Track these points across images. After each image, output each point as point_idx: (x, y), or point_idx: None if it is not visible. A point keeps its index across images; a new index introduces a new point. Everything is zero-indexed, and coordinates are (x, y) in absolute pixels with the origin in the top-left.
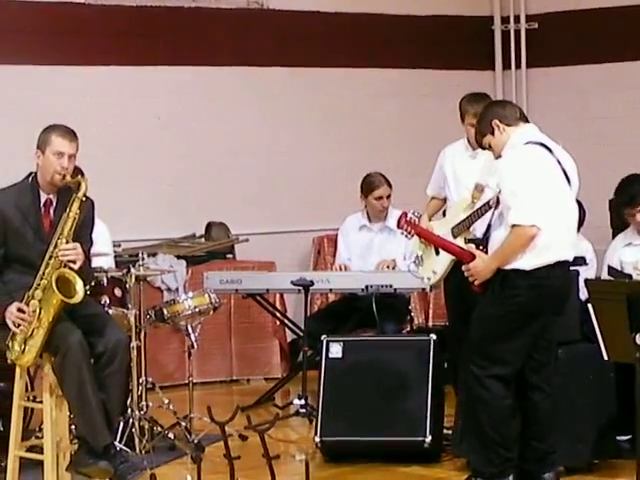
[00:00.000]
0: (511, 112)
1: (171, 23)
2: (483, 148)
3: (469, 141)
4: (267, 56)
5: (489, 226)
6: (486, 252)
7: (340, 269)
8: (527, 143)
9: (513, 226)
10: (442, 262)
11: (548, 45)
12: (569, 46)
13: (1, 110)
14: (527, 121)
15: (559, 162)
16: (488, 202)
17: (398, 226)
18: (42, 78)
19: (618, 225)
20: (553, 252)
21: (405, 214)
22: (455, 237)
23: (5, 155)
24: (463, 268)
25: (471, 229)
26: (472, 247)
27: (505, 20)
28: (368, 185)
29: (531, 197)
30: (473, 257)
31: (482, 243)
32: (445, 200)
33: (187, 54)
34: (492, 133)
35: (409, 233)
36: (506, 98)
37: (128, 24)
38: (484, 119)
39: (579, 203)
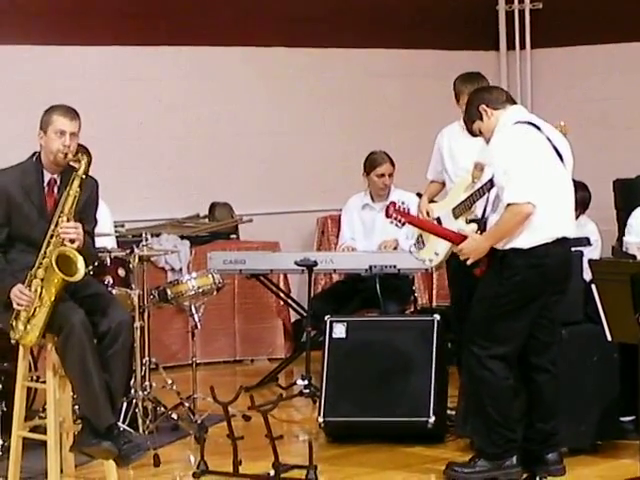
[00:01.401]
0: (497, 96)
1: (172, 2)
2: (474, 135)
3: (465, 121)
4: (270, 36)
5: (486, 208)
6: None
7: (347, 249)
8: (516, 123)
9: (508, 205)
10: (444, 243)
11: (552, 26)
12: (573, 27)
13: (2, 92)
14: (514, 103)
15: (549, 139)
16: (489, 181)
17: (387, 216)
18: (43, 58)
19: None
20: (550, 229)
21: (393, 204)
22: (457, 218)
23: (7, 138)
24: (455, 250)
25: (472, 209)
26: (468, 229)
27: (509, 0)
28: (371, 162)
29: (524, 175)
30: (463, 239)
31: (482, 224)
32: (444, 184)
33: (189, 34)
34: (480, 118)
35: (399, 222)
36: (510, 79)
37: (128, 4)
38: (471, 106)
39: (585, 186)
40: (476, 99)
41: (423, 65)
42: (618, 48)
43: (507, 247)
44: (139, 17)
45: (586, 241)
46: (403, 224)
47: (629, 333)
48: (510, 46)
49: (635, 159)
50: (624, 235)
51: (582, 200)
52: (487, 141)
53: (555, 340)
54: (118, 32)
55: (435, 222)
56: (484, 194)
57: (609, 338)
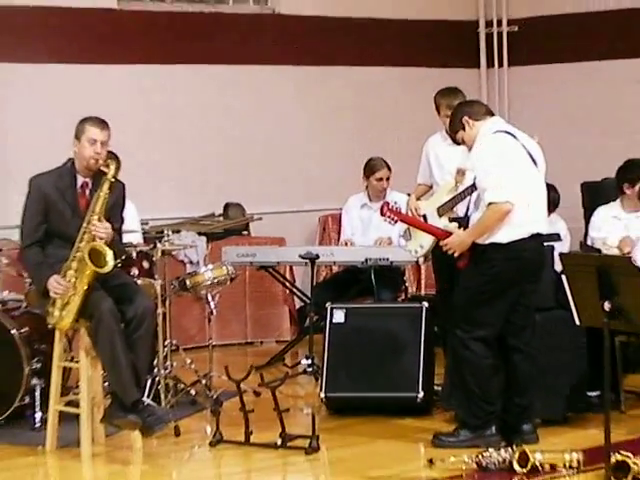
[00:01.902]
0: (478, 109)
1: (194, 27)
2: (458, 143)
3: (447, 131)
4: (277, 55)
5: (469, 207)
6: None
7: (346, 244)
8: (495, 132)
9: (489, 204)
10: (427, 238)
11: (527, 46)
12: (545, 47)
13: (45, 106)
14: (493, 115)
15: (524, 146)
16: (471, 186)
17: (381, 214)
18: (83, 75)
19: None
20: (526, 226)
21: (387, 203)
22: (440, 216)
23: (46, 145)
24: (440, 244)
25: (454, 209)
26: (451, 226)
27: (489, 24)
28: (370, 167)
29: (503, 177)
30: (449, 235)
31: (463, 222)
32: (431, 186)
33: (207, 54)
34: (463, 129)
35: (392, 220)
36: (490, 93)
37: (155, 28)
38: (455, 118)
39: (554, 188)
40: (459, 112)
41: (414, 81)
42: (585, 66)
43: (487, 242)
44: (163, 39)
45: (557, 236)
46: (396, 222)
47: (595, 318)
48: (490, 64)
49: (600, 164)
50: (590, 231)
51: (552, 200)
52: (469, 149)
53: (529, 324)
54: (144, 52)
55: (422, 219)
56: (466, 197)
57: (577, 322)
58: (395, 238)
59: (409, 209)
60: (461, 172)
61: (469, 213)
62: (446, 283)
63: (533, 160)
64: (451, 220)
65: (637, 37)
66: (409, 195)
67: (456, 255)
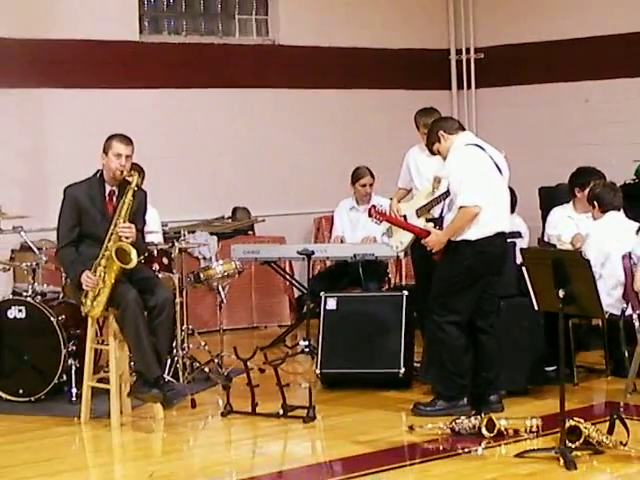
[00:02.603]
0: (452, 124)
1: (206, 56)
2: (434, 154)
3: (425, 144)
4: (277, 79)
5: (443, 209)
6: (440, 229)
7: (339, 240)
8: (466, 145)
9: (461, 207)
10: (406, 235)
11: (492, 71)
12: (507, 72)
13: (81, 125)
14: (464, 129)
15: (491, 157)
16: (445, 192)
17: (369, 215)
18: (110, 98)
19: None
20: (492, 226)
21: (374, 206)
22: (419, 217)
23: (79, 159)
24: (422, 242)
25: (431, 211)
26: (429, 225)
27: (459, 52)
28: (356, 175)
29: (473, 184)
30: (428, 233)
31: (438, 222)
32: (410, 190)
33: (217, 79)
34: (439, 141)
35: (379, 220)
36: (460, 112)
37: (172, 57)
38: (432, 131)
39: (512, 191)
40: (436, 126)
41: (393, 102)
42: (542, 87)
43: (459, 239)
44: (179, 67)
45: (518, 234)
46: (381, 222)
47: (551, 304)
48: (460, 87)
49: (555, 172)
50: (546, 229)
51: (512, 203)
52: (444, 158)
53: (495, 309)
54: (163, 78)
55: (403, 219)
56: (441, 201)
57: (536, 308)
58: (379, 236)
59: (391, 210)
60: (437, 180)
61: (443, 214)
62: (423, 275)
63: (499, 169)
64: (428, 220)
65: (583, 63)
66: (391, 199)
67: (435, 251)
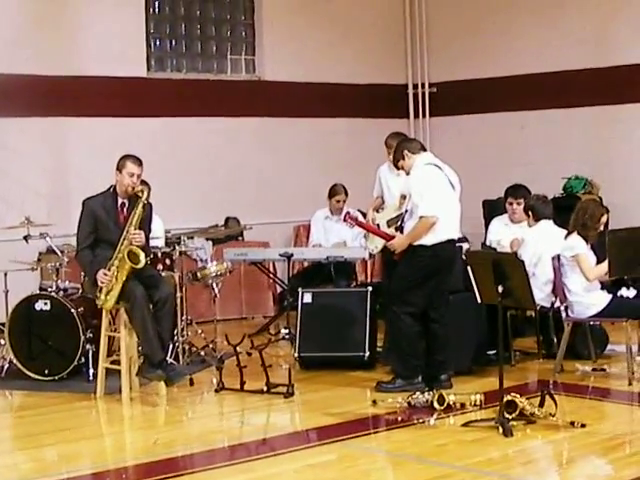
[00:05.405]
0: (415, 145)
1: (202, 90)
2: (398, 169)
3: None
4: (262, 109)
5: (403, 218)
6: (402, 233)
7: (315, 246)
8: (426, 164)
9: (421, 217)
10: (381, 240)
11: (443, 102)
12: (457, 103)
13: (98, 147)
14: (425, 150)
15: (446, 175)
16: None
17: (344, 220)
18: (121, 126)
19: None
20: (445, 233)
21: (348, 213)
22: (389, 227)
23: (97, 177)
24: (387, 245)
25: (399, 222)
26: (394, 232)
27: (415, 86)
28: (333, 191)
29: (432, 197)
30: (392, 238)
31: (401, 228)
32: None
33: (212, 109)
34: (403, 159)
35: (351, 224)
36: (417, 138)
37: (174, 90)
38: (398, 150)
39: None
40: (401, 145)
41: (360, 128)
42: (486, 117)
43: (417, 243)
44: (180, 99)
45: (465, 239)
46: (353, 226)
47: (491, 297)
48: (416, 116)
49: (497, 187)
50: (488, 235)
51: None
52: (407, 173)
53: (445, 302)
54: (167, 108)
55: (376, 227)
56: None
57: (479, 301)
58: (349, 241)
59: (368, 219)
60: (403, 196)
61: (405, 221)
62: (387, 273)
63: (452, 185)
64: (396, 229)
65: (520, 96)
66: (359, 210)
67: (397, 252)
